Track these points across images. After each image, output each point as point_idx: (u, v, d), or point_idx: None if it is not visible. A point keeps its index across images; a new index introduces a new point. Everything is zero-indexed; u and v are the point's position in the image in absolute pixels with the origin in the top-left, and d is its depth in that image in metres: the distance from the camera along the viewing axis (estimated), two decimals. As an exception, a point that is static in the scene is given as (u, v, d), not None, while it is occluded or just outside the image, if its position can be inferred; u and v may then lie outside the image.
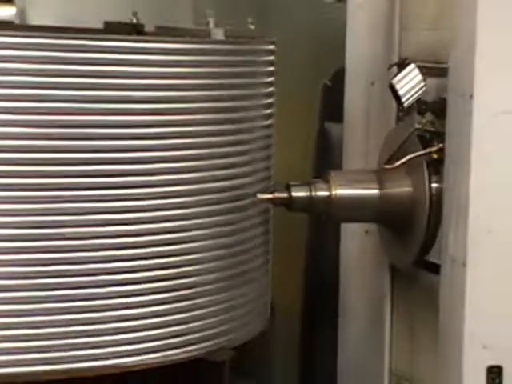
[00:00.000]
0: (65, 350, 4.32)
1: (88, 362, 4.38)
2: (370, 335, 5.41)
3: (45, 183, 4.21)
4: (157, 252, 4.47)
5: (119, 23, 5.27)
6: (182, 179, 4.51)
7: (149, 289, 4.47)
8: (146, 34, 5.17)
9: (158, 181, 4.43)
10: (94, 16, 5.32)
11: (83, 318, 4.34)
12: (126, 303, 4.42)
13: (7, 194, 4.19)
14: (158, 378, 4.62)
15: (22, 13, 6.26)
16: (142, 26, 5.22)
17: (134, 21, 5.33)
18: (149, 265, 4.45)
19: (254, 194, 4.89)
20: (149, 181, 4.40)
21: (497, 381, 4.74)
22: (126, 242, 4.39)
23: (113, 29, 5.27)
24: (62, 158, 4.22)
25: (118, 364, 4.46)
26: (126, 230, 4.37)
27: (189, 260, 4.59)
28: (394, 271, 5.34)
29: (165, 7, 6.20)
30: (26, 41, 4.28)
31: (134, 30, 5.21)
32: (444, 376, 4.90)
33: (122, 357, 4.46)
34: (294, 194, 5.05)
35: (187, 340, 4.65)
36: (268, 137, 5.04)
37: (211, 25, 4.84)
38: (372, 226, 5.40)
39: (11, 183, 4.19)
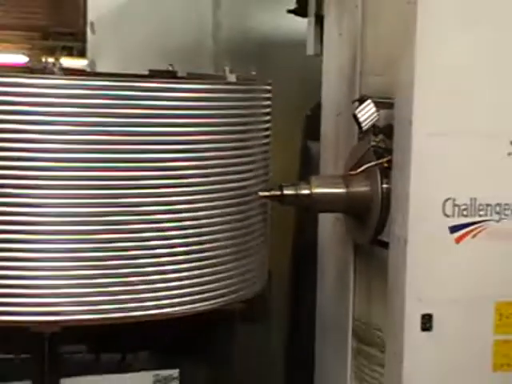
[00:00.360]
0: (131, 302, 4.39)
1: (143, 311, 4.43)
2: (339, 292, 5.45)
3: (118, 184, 4.30)
4: (189, 234, 4.55)
5: (160, 71, 5.38)
6: (208, 181, 4.61)
7: (184, 259, 4.54)
8: (179, 77, 5.29)
9: (191, 183, 4.52)
10: (142, 66, 5.41)
11: (139, 280, 4.41)
12: (167, 269, 4.48)
13: (93, 192, 4.27)
14: (183, 324, 4.70)
15: (92, 63, 6.34)
16: (176, 72, 5.33)
17: (170, 69, 5.42)
18: (185, 242, 4.53)
19: (257, 193, 5.01)
20: (184, 183, 4.50)
21: (427, 324, 4.88)
22: (169, 226, 4.47)
23: (155, 74, 5.39)
24: (128, 167, 4.32)
25: (167, 313, 4.54)
26: (169, 218, 4.46)
27: (211, 239, 4.67)
28: (356, 247, 5.38)
29: (192, 60, 6.28)
30: (94, 83, 4.40)
31: (171, 75, 5.33)
32: (391, 321, 5.04)
33: (168, 306, 4.51)
34: (285, 192, 5.13)
35: (212, 296, 4.70)
36: (266, 151, 5.12)
37: (227, 72, 4.94)
38: (340, 215, 5.47)
39: (95, 185, 4.27)
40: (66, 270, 4.27)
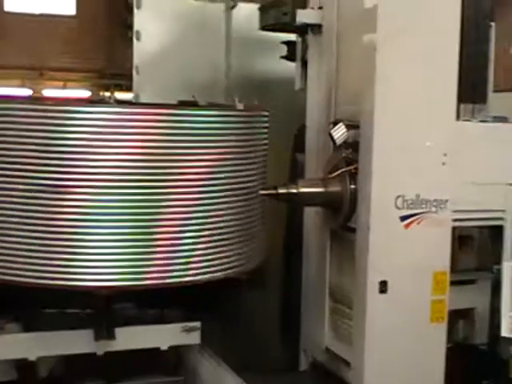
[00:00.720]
0: (168, 272, 4.46)
1: (178, 278, 4.51)
2: (319, 265, 5.40)
3: (158, 185, 4.36)
4: (212, 221, 4.60)
5: (186, 101, 5.38)
6: (225, 183, 4.66)
7: (209, 240, 4.60)
8: (201, 105, 5.29)
9: (213, 184, 4.59)
10: (173, 98, 5.43)
11: (177, 256, 4.49)
12: (197, 247, 4.55)
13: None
14: (204, 288, 4.73)
15: (136, 96, 6.37)
16: (197, 101, 5.33)
17: (193, 99, 5.40)
18: (210, 227, 4.59)
19: (257, 191, 5.01)
20: (208, 184, 4.56)
21: (384, 288, 4.93)
22: (198, 216, 4.52)
23: (182, 103, 5.37)
24: (169, 167, 4.39)
25: (192, 280, 4.58)
26: (199, 209, 4.52)
27: (227, 225, 4.70)
28: (332, 231, 5.37)
29: (210, 93, 6.28)
30: (136, 110, 4.50)
31: (194, 104, 5.32)
32: (357, 286, 5.10)
33: (193, 275, 4.55)
34: (278, 191, 5.15)
35: (227, 267, 4.74)
36: (264, 161, 5.11)
37: (236, 102, 4.94)
38: (319, 208, 5.47)
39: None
40: (119, 249, 4.31)
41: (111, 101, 4.98)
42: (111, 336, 4.73)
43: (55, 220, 4.25)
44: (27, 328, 4.79)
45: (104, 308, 4.73)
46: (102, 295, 4.60)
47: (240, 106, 5.00)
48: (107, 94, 21.83)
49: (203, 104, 5.31)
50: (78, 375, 5.06)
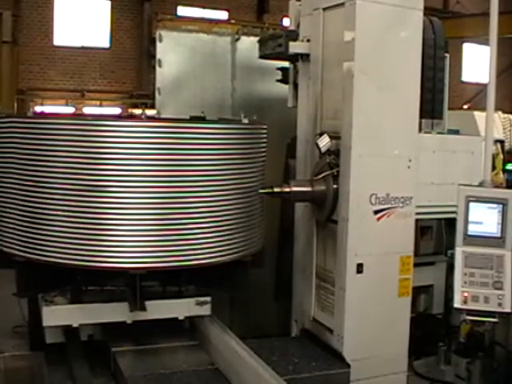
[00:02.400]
0: (188, 255, 4.48)
1: (196, 261, 4.54)
2: (307, 249, 5.34)
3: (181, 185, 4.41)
4: (223, 214, 4.63)
5: (196, 116, 5.34)
6: (233, 183, 4.68)
7: (223, 229, 4.64)
8: (211, 120, 5.28)
9: (224, 184, 4.61)
10: (188, 114, 5.50)
11: (196, 242, 4.51)
12: (212, 236, 4.58)
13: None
14: (215, 269, 4.75)
15: (158, 113, 6.33)
16: (205, 117, 5.28)
17: (202, 115, 5.39)
18: (222, 219, 4.63)
19: (257, 190, 4.96)
20: (220, 184, 4.58)
21: (360, 269, 4.92)
22: (215, 209, 4.56)
23: (193, 118, 5.33)
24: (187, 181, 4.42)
25: (209, 262, 4.63)
26: (215, 205, 4.56)
27: (235, 217, 4.73)
28: (318, 222, 5.31)
29: (219, 110, 6.25)
30: (158, 124, 4.58)
31: (202, 118, 5.28)
32: (338, 267, 5.05)
33: (208, 258, 4.59)
34: (274, 189, 5.05)
35: (236, 251, 4.77)
36: (263, 165, 5.07)
37: (242, 117, 4.96)
38: (308, 204, 5.42)
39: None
40: (150, 237, 4.36)
41: (143, 116, 5.02)
42: (143, 308, 4.70)
43: (97, 214, 4.30)
44: (73, 301, 4.82)
45: (136, 285, 4.69)
46: (135, 274, 4.63)
47: (245, 121, 5.00)
48: (135, 110, 21.91)
49: (214, 119, 5.32)
50: (111, 339, 5.04)
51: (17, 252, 4.54)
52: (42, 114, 5.33)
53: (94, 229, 4.29)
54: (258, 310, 6.48)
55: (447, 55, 5.88)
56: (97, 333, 5.08)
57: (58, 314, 4.73)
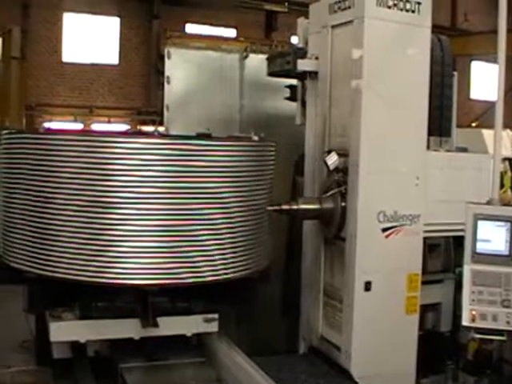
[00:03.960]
0: (199, 267, 4.50)
1: (206, 278, 4.56)
2: (314, 267, 5.37)
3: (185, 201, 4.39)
4: (229, 232, 4.62)
5: (202, 133, 5.35)
6: (241, 200, 4.68)
7: (229, 247, 4.64)
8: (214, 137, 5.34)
9: (231, 201, 4.61)
10: (196, 131, 5.53)
11: (204, 260, 4.52)
12: (223, 248, 4.60)
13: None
14: (223, 286, 4.73)
15: (167, 129, 6.34)
16: (211, 133, 5.31)
17: (208, 131, 5.39)
18: (231, 237, 4.63)
19: (266, 207, 4.97)
20: (228, 201, 4.60)
21: (368, 287, 4.92)
22: (222, 227, 4.57)
23: (200, 135, 5.33)
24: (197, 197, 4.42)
25: (218, 279, 4.62)
26: (222, 222, 4.56)
27: (244, 234, 4.73)
28: (325, 240, 5.31)
29: (227, 127, 6.25)
30: (167, 141, 4.51)
31: (208, 135, 5.29)
32: (346, 285, 5.07)
33: (219, 275, 4.61)
34: (282, 207, 5.08)
35: (245, 268, 4.77)
36: (271, 182, 5.06)
37: (252, 135, 4.97)
38: (316, 221, 5.43)
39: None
40: (158, 254, 4.36)
41: (156, 133, 5.03)
42: (155, 324, 4.71)
43: (108, 230, 4.31)
44: (81, 317, 4.81)
45: (147, 301, 4.70)
46: (146, 291, 4.63)
47: (255, 138, 5.00)
48: (144, 127, 21.97)
49: (223, 136, 5.30)
50: (118, 355, 5.03)
51: (27, 268, 4.52)
52: (53, 131, 5.34)
53: (105, 245, 4.29)
54: (266, 326, 6.44)
55: (455, 73, 5.88)
56: (103, 349, 5.06)
57: (65, 330, 4.71)
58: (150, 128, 20.77)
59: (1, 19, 19.96)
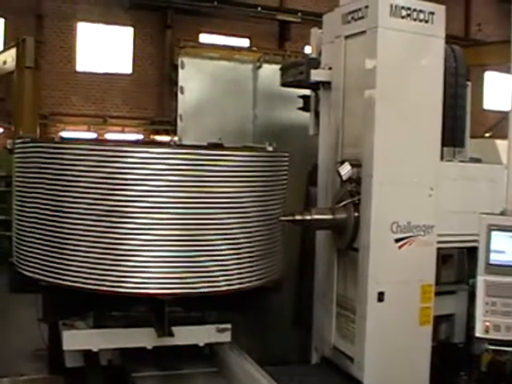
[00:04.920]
0: (214, 277, 4.52)
1: (216, 288, 4.55)
2: (327, 277, 5.38)
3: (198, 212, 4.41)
4: (254, 239, 4.70)
5: (213, 143, 5.36)
6: (257, 210, 4.72)
7: (246, 256, 4.67)
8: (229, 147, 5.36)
9: (248, 211, 4.65)
10: (209, 141, 5.51)
11: (221, 264, 4.53)
12: (237, 257, 4.61)
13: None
14: (236, 296, 4.74)
15: (180, 139, 6.36)
16: (223, 143, 5.32)
17: (220, 142, 5.40)
18: (247, 246, 4.67)
19: (279, 218, 4.97)
20: (244, 211, 4.61)
21: (381, 298, 4.90)
22: (239, 237, 4.60)
23: (211, 145, 5.35)
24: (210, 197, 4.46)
25: (239, 289, 4.66)
26: (238, 232, 4.60)
27: (259, 244, 4.76)
28: (338, 250, 5.30)
29: (240, 137, 6.25)
30: (179, 150, 4.54)
31: (220, 145, 5.30)
32: (359, 295, 5.06)
33: (234, 284, 4.62)
34: (296, 217, 5.08)
35: (258, 278, 4.77)
36: (284, 192, 5.09)
37: (267, 145, 4.97)
38: (329, 231, 5.43)
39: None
40: (174, 263, 4.36)
41: (172, 143, 5.05)
42: (170, 334, 4.70)
43: (124, 239, 4.32)
44: (95, 326, 4.82)
45: (163, 311, 4.67)
46: (162, 300, 4.62)
47: (269, 149, 5.00)
48: (157, 136, 22.02)
49: (237, 146, 5.32)
50: (131, 364, 5.04)
51: (42, 277, 4.53)
52: (69, 140, 5.37)
53: (123, 254, 4.31)
54: (278, 336, 6.47)
55: (469, 83, 5.89)
56: (116, 358, 5.08)
57: (78, 339, 4.74)
58: (163, 138, 20.89)
59: (15, 29, 20.12)
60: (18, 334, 6.23)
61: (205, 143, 5.44)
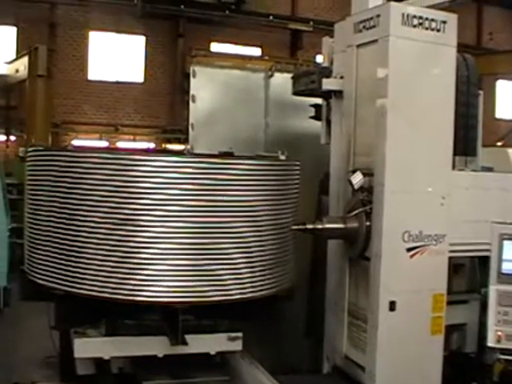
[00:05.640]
0: (223, 291, 4.53)
1: (229, 296, 4.57)
2: (339, 285, 5.38)
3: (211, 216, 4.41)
4: (267, 248, 4.71)
5: (225, 151, 5.38)
6: (269, 219, 4.71)
7: (259, 265, 4.68)
8: (235, 156, 5.35)
9: (260, 220, 4.65)
10: (220, 149, 5.51)
11: (232, 278, 4.54)
12: (251, 266, 4.63)
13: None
14: (241, 305, 4.74)
15: (192, 147, 6.39)
16: (233, 152, 5.33)
17: (231, 150, 5.41)
18: (261, 254, 4.68)
19: (290, 226, 4.98)
20: (257, 220, 4.63)
21: (393, 307, 4.90)
22: (252, 245, 4.61)
23: (222, 153, 5.36)
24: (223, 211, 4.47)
25: (251, 297, 4.67)
26: (252, 240, 4.61)
27: (272, 253, 4.77)
28: (350, 259, 5.31)
29: (252, 146, 6.27)
30: (194, 159, 4.53)
31: (230, 154, 5.31)
32: (371, 304, 5.05)
33: (248, 293, 4.63)
34: (307, 226, 5.09)
35: (270, 287, 4.78)
36: (296, 201, 5.08)
37: (280, 154, 5.03)
38: (341, 240, 5.44)
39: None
40: (193, 271, 4.39)
41: (186, 152, 5.05)
42: (184, 342, 4.70)
43: (141, 248, 4.34)
44: (107, 334, 4.82)
45: (176, 319, 4.66)
46: (175, 308, 4.61)
47: (282, 157, 5.04)
48: (169, 145, 22.07)
49: (249, 155, 5.34)
50: (142, 373, 5.01)
51: (56, 285, 4.54)
52: (82, 148, 5.40)
53: (139, 263, 4.33)
54: (289, 345, 6.46)
55: (481, 92, 5.88)
56: (127, 366, 5.07)
57: (89, 346, 4.74)
58: (175, 146, 20.94)
59: (28, 38, 20.27)
60: (29, 341, 6.24)
61: (216, 152, 5.46)
